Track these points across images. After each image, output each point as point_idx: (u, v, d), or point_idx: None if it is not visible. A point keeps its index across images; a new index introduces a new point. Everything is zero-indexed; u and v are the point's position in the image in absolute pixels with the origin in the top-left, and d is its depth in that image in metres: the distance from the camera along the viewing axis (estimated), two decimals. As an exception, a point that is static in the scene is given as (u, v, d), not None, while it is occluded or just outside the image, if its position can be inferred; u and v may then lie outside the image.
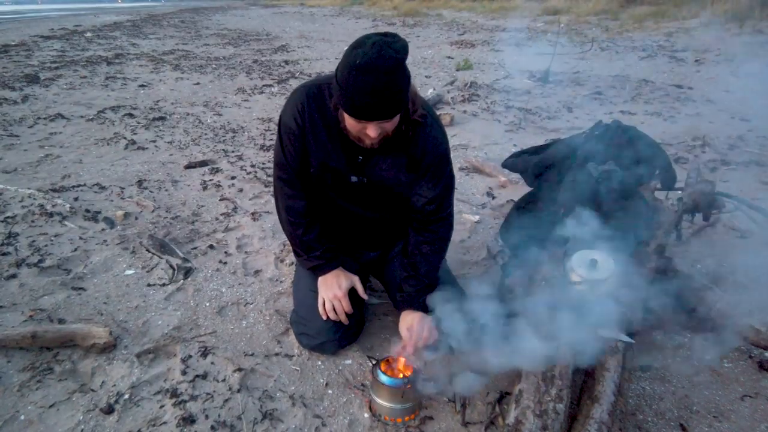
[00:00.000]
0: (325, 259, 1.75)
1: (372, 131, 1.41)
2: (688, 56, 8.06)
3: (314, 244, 1.74)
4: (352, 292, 1.76)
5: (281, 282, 2.20)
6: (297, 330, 1.79)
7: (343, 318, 1.71)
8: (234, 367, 1.67)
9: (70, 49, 9.17)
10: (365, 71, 1.29)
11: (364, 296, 1.78)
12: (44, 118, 4.63)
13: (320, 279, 1.76)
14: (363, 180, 1.63)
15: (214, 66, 7.89)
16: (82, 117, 4.76)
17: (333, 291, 1.72)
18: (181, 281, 2.16)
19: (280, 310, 2.00)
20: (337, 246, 1.81)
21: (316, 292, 1.75)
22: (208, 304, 2.02)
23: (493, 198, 3.13)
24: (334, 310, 1.71)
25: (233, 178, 3.37)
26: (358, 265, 1.88)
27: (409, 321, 1.63)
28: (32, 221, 2.63)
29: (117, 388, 1.57)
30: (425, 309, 1.65)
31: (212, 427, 1.44)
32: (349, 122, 1.44)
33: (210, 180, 3.32)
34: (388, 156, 1.60)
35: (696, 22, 10.66)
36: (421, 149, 1.59)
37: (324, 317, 1.71)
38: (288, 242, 2.48)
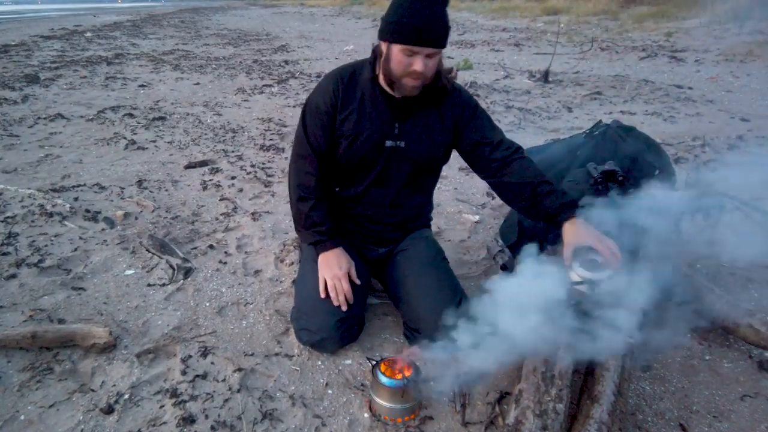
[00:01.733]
0: (328, 235, 1.78)
1: (419, 64, 1.51)
2: (688, 56, 8.06)
3: (319, 220, 1.78)
4: (353, 287, 1.77)
5: (281, 282, 2.20)
6: (298, 326, 1.79)
7: (341, 300, 1.71)
8: (234, 367, 1.67)
9: (70, 49, 9.17)
10: None
11: (357, 281, 1.79)
12: (44, 118, 4.63)
13: (321, 257, 1.78)
14: (400, 144, 1.71)
15: (214, 66, 7.89)
16: (82, 117, 4.76)
17: (333, 271, 1.74)
18: (181, 281, 2.16)
19: (280, 310, 2.00)
20: (346, 241, 1.85)
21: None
22: (208, 304, 2.02)
23: (493, 198, 3.13)
24: (336, 290, 1.72)
25: (233, 178, 3.37)
26: (365, 264, 1.90)
27: (588, 232, 1.59)
28: (32, 221, 2.63)
29: (117, 388, 1.57)
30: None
31: (212, 427, 1.44)
32: (397, 59, 1.53)
33: (210, 180, 3.32)
34: (422, 120, 1.71)
35: (696, 22, 10.67)
36: (455, 107, 1.74)
37: (323, 295, 1.73)
38: (288, 242, 2.49)
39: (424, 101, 1.69)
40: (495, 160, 1.74)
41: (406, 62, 1.53)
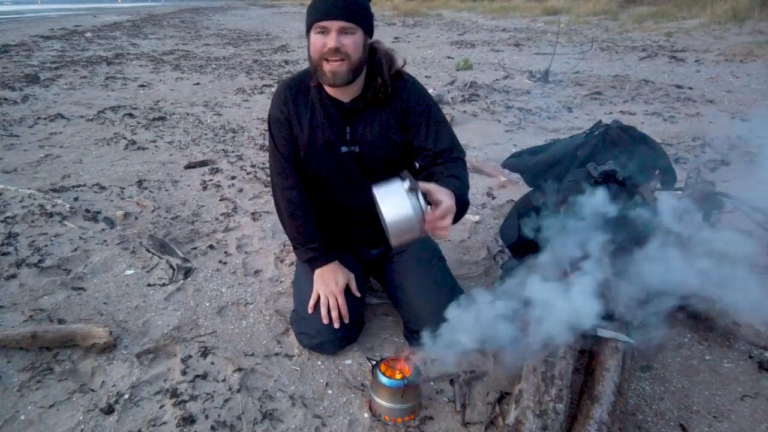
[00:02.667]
0: (321, 251, 1.76)
1: (332, 40, 1.47)
2: (688, 56, 8.06)
3: (311, 235, 1.76)
4: (350, 294, 1.76)
5: (281, 282, 2.20)
6: (297, 329, 1.79)
7: (334, 315, 1.70)
8: (234, 367, 1.67)
9: (70, 49, 9.18)
10: None
11: (357, 294, 1.78)
12: (44, 118, 4.64)
13: (317, 272, 1.76)
14: (354, 149, 1.67)
15: (214, 66, 7.89)
16: (82, 117, 4.76)
17: (330, 287, 1.72)
18: (181, 281, 2.16)
19: (280, 310, 2.00)
20: (337, 243, 1.83)
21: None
22: (208, 304, 2.02)
23: (493, 198, 3.13)
24: (329, 307, 1.70)
25: (233, 178, 3.37)
26: (360, 264, 1.89)
27: (446, 196, 1.33)
28: (32, 221, 2.63)
29: (117, 388, 1.57)
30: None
31: (212, 427, 1.44)
32: (313, 42, 1.52)
33: (210, 180, 3.32)
34: (374, 122, 1.66)
35: (696, 22, 10.67)
36: (405, 104, 1.65)
37: (310, 310, 1.72)
38: (288, 242, 2.49)
39: (371, 102, 1.64)
40: (427, 167, 1.66)
41: (320, 43, 1.50)
